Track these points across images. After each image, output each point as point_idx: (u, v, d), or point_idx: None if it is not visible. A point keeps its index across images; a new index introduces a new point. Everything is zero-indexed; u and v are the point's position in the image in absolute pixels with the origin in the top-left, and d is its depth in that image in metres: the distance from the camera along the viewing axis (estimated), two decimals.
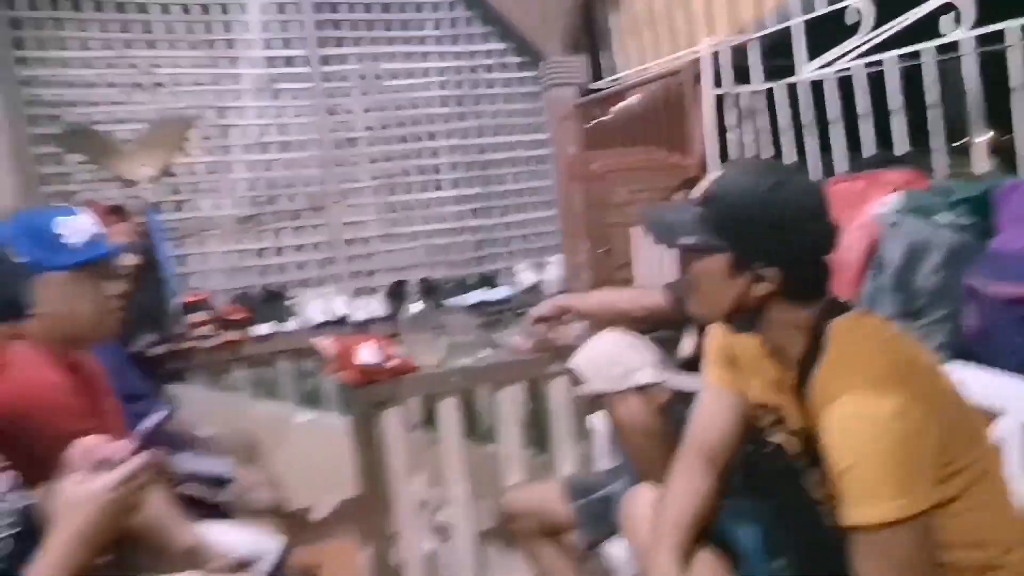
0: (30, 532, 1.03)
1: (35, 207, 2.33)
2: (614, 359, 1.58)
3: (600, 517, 1.71)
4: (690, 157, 2.90)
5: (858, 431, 0.92)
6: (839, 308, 1.06)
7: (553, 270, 3.45)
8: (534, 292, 3.36)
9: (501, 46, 3.48)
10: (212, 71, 3.00)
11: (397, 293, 3.06)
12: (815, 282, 1.06)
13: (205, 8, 2.97)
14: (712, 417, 1.27)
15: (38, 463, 1.19)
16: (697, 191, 1.10)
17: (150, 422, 1.07)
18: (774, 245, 1.02)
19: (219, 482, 1.99)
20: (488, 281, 3.32)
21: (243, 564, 1.55)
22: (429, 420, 2.03)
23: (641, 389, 1.56)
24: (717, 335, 1.27)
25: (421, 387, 1.93)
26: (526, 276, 3.39)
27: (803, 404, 1.05)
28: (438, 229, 3.36)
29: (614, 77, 3.35)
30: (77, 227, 1.40)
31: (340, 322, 2.93)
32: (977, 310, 1.55)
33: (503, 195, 3.50)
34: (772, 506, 1.27)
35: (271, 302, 2.93)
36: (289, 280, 3.08)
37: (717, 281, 1.07)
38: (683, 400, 1.63)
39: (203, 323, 2.70)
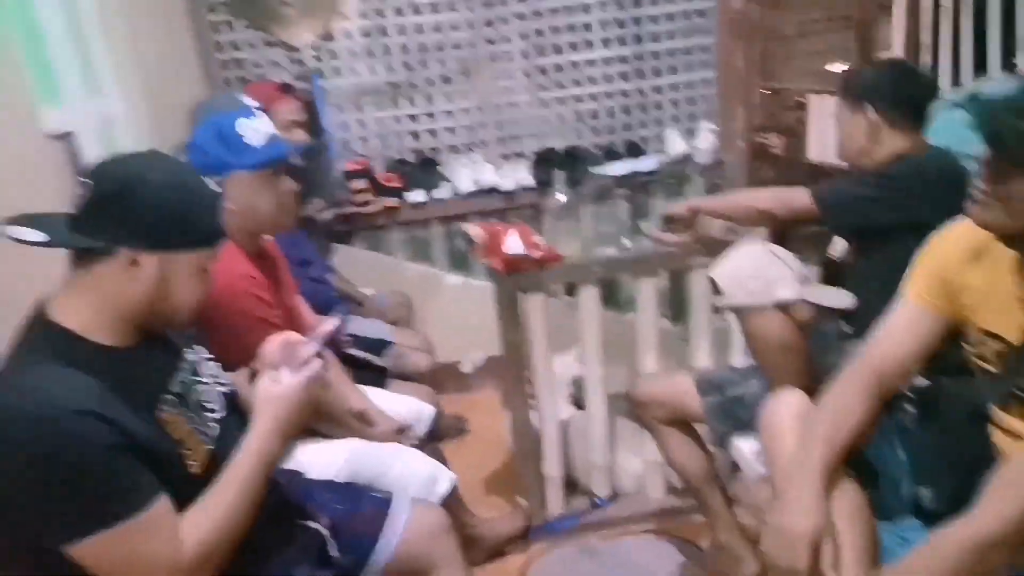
0: (232, 416, 1.24)
1: (216, 93, 2.48)
2: (755, 273, 1.57)
3: (730, 414, 1.77)
4: None
5: None
6: None
7: (706, 137, 3.30)
8: (684, 161, 3.25)
9: None
10: None
11: (544, 162, 3.07)
12: None
13: None
14: (899, 334, 1.23)
15: (235, 347, 1.41)
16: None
17: (328, 327, 1.21)
18: None
19: (380, 345, 2.23)
20: (637, 149, 3.24)
21: (403, 429, 1.77)
22: (572, 289, 2.10)
23: (781, 305, 1.55)
24: (936, 247, 1.22)
25: (564, 276, 2.01)
26: (676, 144, 3.26)
27: None
28: (587, 92, 3.27)
29: None
30: (256, 128, 1.54)
31: (489, 191, 3.01)
32: None
33: (656, 55, 3.31)
34: (936, 432, 1.26)
35: (424, 168, 3.04)
36: (441, 145, 3.16)
37: None
38: (825, 316, 1.61)
39: (363, 190, 2.87)
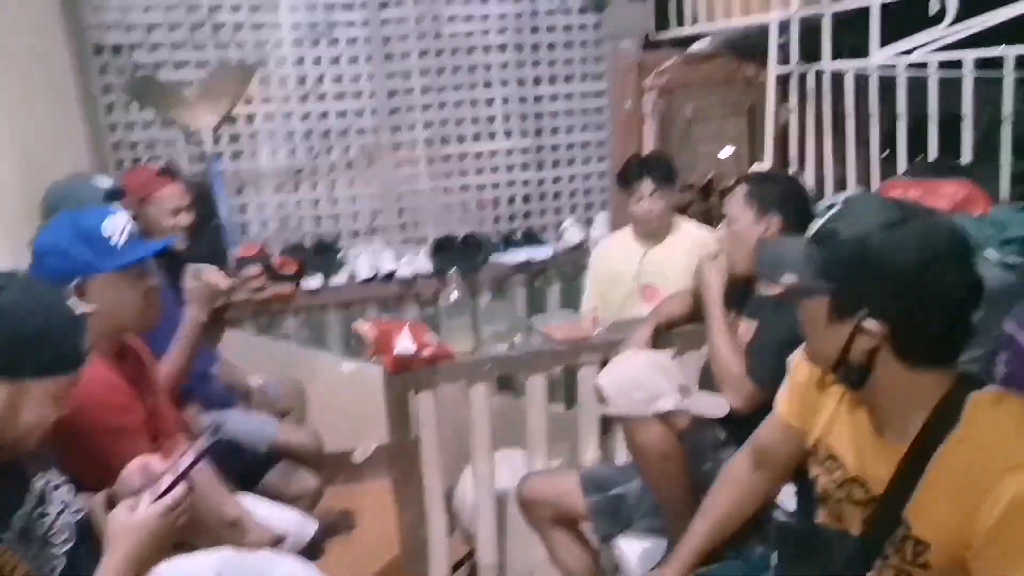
0: (84, 543, 1.17)
1: (96, 172, 2.40)
2: (638, 383, 1.61)
3: (613, 513, 1.81)
4: (763, 73, 2.73)
5: None
6: (975, 382, 0.99)
7: (600, 227, 3.44)
8: (580, 250, 3.37)
9: None
10: (271, 16, 2.99)
11: (443, 249, 3.11)
12: (936, 345, 0.97)
13: None
14: (771, 441, 1.33)
15: (92, 462, 1.33)
16: (812, 228, 1.05)
17: (198, 447, 1.16)
18: (879, 293, 0.94)
19: (265, 462, 2.15)
20: (534, 237, 3.33)
21: (279, 540, 1.71)
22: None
23: (663, 415, 1.60)
24: (804, 369, 1.23)
25: (455, 374, 2.02)
26: (572, 233, 3.38)
27: (905, 477, 1.00)
28: (488, 182, 3.37)
29: (678, 35, 3.20)
30: (120, 227, 1.49)
31: (387, 278, 3.02)
32: (1010, 359, 1.52)
33: (555, 148, 3.46)
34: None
35: (322, 253, 3.03)
36: (341, 230, 3.16)
37: (819, 326, 1.02)
38: (704, 425, 1.67)
39: (256, 276, 2.82)
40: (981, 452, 0.93)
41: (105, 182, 2.09)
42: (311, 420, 2.78)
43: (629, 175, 2.53)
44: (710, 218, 3.32)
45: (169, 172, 2.42)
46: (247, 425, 2.21)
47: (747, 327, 1.73)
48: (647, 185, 2.48)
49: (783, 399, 1.30)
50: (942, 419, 0.97)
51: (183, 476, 1.13)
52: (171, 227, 2.34)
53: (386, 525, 2.45)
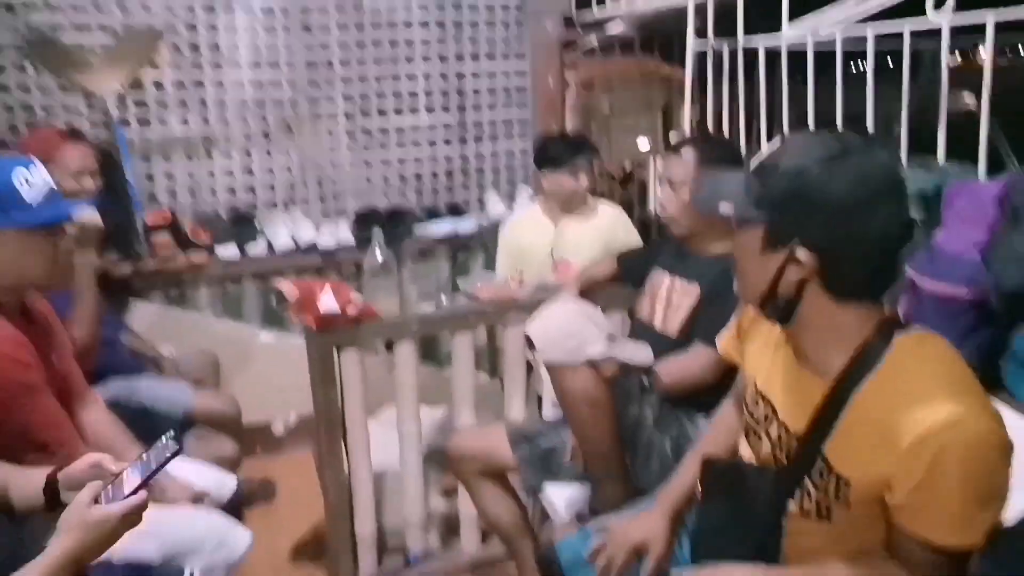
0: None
1: None
2: (568, 331, 1.62)
3: (542, 465, 1.82)
4: (681, 70, 2.81)
5: (961, 451, 0.87)
6: (900, 323, 0.99)
7: (523, 200, 3.47)
8: (503, 222, 3.38)
9: None
10: None
11: (365, 220, 3.07)
12: (864, 280, 0.97)
13: None
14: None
15: None
16: (755, 159, 1.05)
17: (159, 457, 1.08)
18: (812, 224, 0.94)
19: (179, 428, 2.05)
20: (457, 210, 3.33)
21: (200, 496, 1.64)
22: (392, 345, 2.06)
23: (591, 362, 1.62)
24: (748, 313, 1.24)
25: (380, 333, 1.99)
26: (496, 207, 3.40)
27: (825, 415, 0.99)
28: (410, 156, 3.34)
29: (597, 20, 3.26)
30: (35, 182, 1.38)
31: (307, 249, 2.95)
32: (911, 301, 1.62)
33: (477, 124, 3.46)
34: (719, 516, 1.23)
35: (237, 223, 2.92)
36: (258, 201, 3.06)
37: (751, 257, 1.01)
38: (629, 372, 1.70)
39: (167, 244, 2.70)
40: (903, 396, 0.92)
41: None
42: (227, 392, 2.68)
43: (558, 154, 2.52)
44: (629, 205, 3.43)
45: (74, 133, 2.30)
46: (159, 391, 2.11)
47: (685, 287, 1.78)
48: (581, 163, 2.50)
49: (725, 336, 1.33)
50: (865, 359, 0.97)
51: (146, 483, 1.06)
52: (75, 191, 2.21)
53: (307, 494, 2.40)
